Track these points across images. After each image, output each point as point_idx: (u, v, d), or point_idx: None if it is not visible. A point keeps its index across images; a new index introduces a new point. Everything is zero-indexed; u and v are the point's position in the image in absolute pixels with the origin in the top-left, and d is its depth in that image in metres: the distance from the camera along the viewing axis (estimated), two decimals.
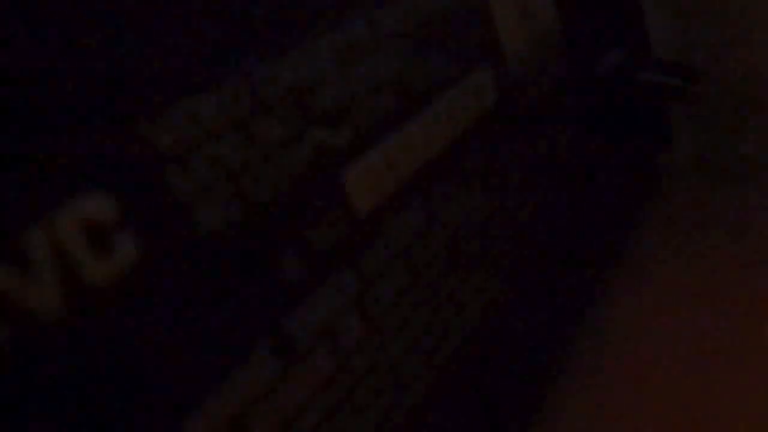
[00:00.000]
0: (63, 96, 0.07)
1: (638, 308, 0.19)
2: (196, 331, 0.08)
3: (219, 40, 0.09)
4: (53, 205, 0.07)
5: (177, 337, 0.08)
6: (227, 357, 0.08)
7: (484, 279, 0.14)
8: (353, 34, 0.11)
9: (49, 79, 0.07)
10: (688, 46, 0.26)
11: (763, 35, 0.24)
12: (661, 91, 0.25)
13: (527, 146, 0.16)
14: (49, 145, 0.07)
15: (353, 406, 0.10)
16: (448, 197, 0.13)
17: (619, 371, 0.17)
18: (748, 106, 0.26)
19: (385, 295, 0.11)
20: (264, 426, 0.09)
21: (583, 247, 0.19)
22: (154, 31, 0.08)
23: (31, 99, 0.07)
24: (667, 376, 0.16)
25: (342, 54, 0.11)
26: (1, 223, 0.06)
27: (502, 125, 0.15)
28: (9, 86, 0.07)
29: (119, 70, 0.07)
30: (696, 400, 0.15)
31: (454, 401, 0.12)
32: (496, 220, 0.14)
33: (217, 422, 0.08)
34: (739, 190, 0.25)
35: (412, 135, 0.12)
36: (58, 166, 0.07)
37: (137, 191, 0.08)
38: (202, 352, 0.08)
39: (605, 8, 0.23)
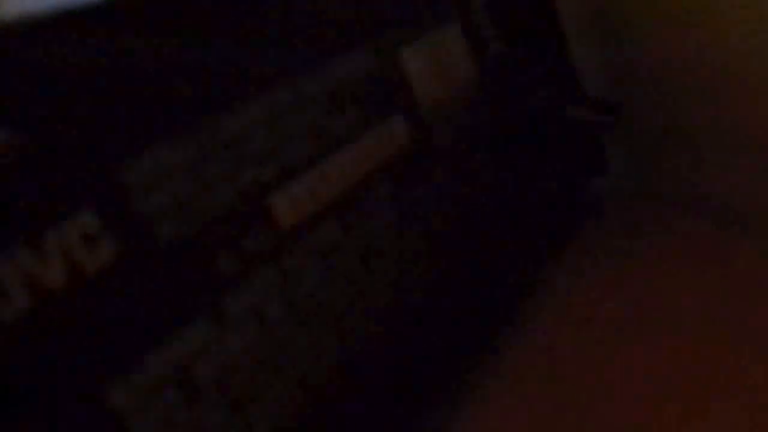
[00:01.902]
0: (72, 153, 0.11)
1: (554, 336, 0.23)
2: (157, 305, 0.12)
3: (175, 100, 0.13)
4: (62, 219, 0.11)
5: (143, 308, 0.12)
6: (179, 322, 0.12)
7: (394, 281, 0.18)
8: (279, 96, 0.15)
9: (61, 139, 0.11)
10: (612, 80, 0.30)
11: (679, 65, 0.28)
12: (586, 125, 0.29)
13: (442, 179, 0.20)
14: (63, 182, 0.11)
15: (275, 368, 0.14)
16: (364, 215, 0.17)
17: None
18: (672, 135, 0.30)
19: (303, 285, 0.15)
20: (203, 373, 0.13)
21: (500, 274, 0.23)
22: (130, 92, 0.12)
23: (50, 153, 0.11)
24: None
25: (270, 112, 0.15)
26: (31, 227, 0.11)
27: (415, 162, 0.19)
28: (45, 140, 0.11)
29: (107, 127, 0.12)
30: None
31: (362, 377, 0.16)
32: (407, 241, 0.18)
33: (170, 366, 0.12)
34: (675, 214, 0.28)
35: (328, 169, 0.16)
36: (67, 195, 0.11)
37: (114, 212, 0.12)
38: (160, 320, 0.12)
39: (530, 49, 0.27)
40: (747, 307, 0.20)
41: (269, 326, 0.14)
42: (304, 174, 0.16)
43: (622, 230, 0.27)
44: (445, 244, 0.20)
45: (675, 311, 0.21)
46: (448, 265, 0.20)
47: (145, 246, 0.12)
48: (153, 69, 0.13)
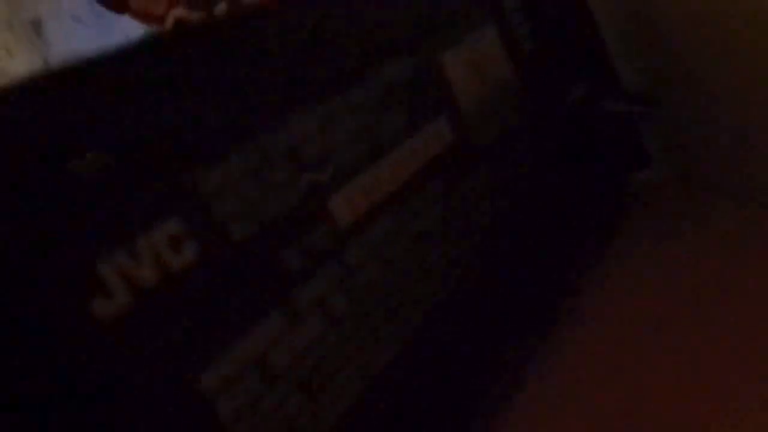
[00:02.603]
0: (154, 166, 0.13)
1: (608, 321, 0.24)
2: (236, 299, 0.13)
3: (238, 113, 0.14)
4: (151, 225, 0.12)
5: (224, 302, 0.13)
6: (255, 315, 0.14)
7: (445, 273, 0.19)
8: (331, 104, 0.16)
9: (142, 149, 0.12)
10: (649, 72, 0.31)
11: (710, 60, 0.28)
12: (625, 117, 0.29)
13: (485, 176, 0.21)
14: (149, 193, 0.12)
15: (341, 357, 0.16)
16: (413, 212, 0.18)
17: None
18: (710, 123, 0.30)
19: (363, 280, 0.16)
20: (279, 361, 0.14)
21: (544, 267, 0.23)
22: (201, 110, 0.14)
23: (136, 164, 0.12)
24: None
25: (323, 119, 0.16)
26: (126, 233, 0.12)
27: (459, 161, 0.20)
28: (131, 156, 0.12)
29: (184, 141, 0.13)
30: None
31: (418, 362, 0.18)
32: (454, 229, 0.19)
33: (250, 354, 0.14)
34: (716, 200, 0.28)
35: (380, 170, 0.17)
36: (154, 204, 0.12)
37: (195, 217, 0.13)
38: (239, 312, 0.14)
39: (568, 46, 0.28)
40: None
41: (334, 318, 0.15)
42: (358, 175, 0.17)
43: (666, 218, 0.28)
44: (491, 239, 0.21)
45: (722, 295, 0.21)
46: (495, 259, 0.21)
47: (222, 246, 0.13)
48: (219, 84, 0.14)
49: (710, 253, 0.24)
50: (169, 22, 0.71)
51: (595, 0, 0.30)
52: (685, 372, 0.19)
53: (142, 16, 0.74)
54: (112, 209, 0.12)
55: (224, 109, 0.14)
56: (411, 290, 0.18)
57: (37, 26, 0.89)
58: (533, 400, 0.20)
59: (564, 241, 0.24)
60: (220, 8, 0.66)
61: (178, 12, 0.70)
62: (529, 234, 0.22)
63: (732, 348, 0.19)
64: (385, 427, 0.16)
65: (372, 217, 0.17)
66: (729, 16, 0.25)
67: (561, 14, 0.27)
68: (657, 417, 0.18)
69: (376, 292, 0.17)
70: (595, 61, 0.29)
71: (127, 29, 0.80)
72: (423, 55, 0.19)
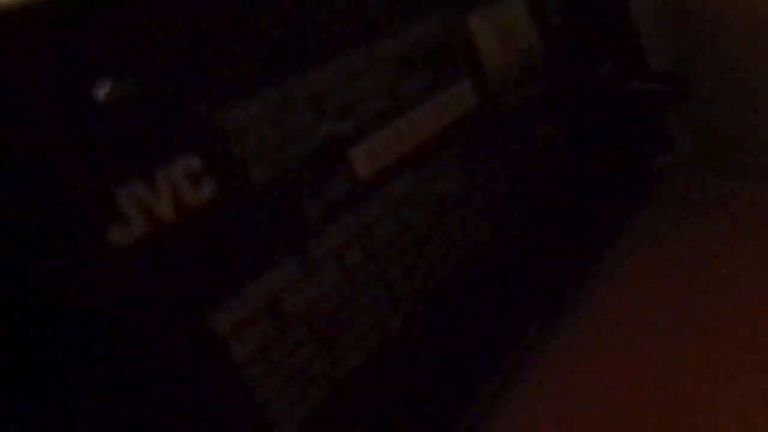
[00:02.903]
0: (175, 99, 0.12)
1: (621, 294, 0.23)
2: (252, 241, 0.13)
3: (264, 55, 0.14)
4: (170, 158, 0.12)
5: (240, 243, 0.13)
6: (270, 259, 0.14)
7: (461, 235, 0.18)
8: (356, 56, 0.16)
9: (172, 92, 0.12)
10: (679, 55, 0.30)
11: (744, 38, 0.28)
12: (652, 98, 0.29)
13: (506, 143, 0.21)
14: (169, 125, 0.12)
15: (355, 309, 0.15)
16: (432, 172, 0.18)
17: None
18: (739, 105, 0.30)
19: (380, 236, 0.16)
20: (292, 309, 0.14)
21: (563, 240, 0.23)
22: (227, 46, 0.13)
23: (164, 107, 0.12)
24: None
25: (348, 70, 0.16)
26: (144, 164, 0.12)
27: (481, 126, 0.20)
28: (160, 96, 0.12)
29: (206, 77, 0.13)
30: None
31: (431, 323, 0.17)
32: (473, 194, 0.19)
33: (264, 298, 0.13)
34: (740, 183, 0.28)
35: (402, 127, 0.17)
36: (173, 137, 0.12)
37: (214, 154, 0.13)
38: (254, 255, 0.13)
39: (597, 25, 0.27)
40: None
41: (349, 270, 0.15)
42: (380, 130, 0.16)
43: (688, 201, 0.27)
44: (507, 208, 0.20)
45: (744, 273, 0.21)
46: (511, 228, 0.20)
47: (241, 186, 0.13)
48: (247, 26, 0.14)
49: (731, 237, 0.23)
50: None
51: None
52: (703, 357, 0.18)
53: None
54: (133, 138, 0.12)
55: (251, 51, 0.14)
56: (427, 251, 0.17)
57: None
58: (551, 363, 0.20)
59: (580, 217, 0.24)
60: None
61: None
62: (546, 207, 0.22)
63: (751, 331, 0.19)
64: (397, 383, 0.16)
65: (391, 174, 0.17)
66: None
67: None
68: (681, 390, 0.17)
69: (392, 250, 0.16)
70: (622, 40, 0.28)
71: None
72: (451, 16, 0.19)
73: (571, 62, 0.24)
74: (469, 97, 0.19)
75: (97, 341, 0.11)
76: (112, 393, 0.11)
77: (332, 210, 0.15)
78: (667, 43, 0.31)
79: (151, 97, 0.12)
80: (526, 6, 0.23)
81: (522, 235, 0.21)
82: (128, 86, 0.12)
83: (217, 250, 0.13)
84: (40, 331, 0.11)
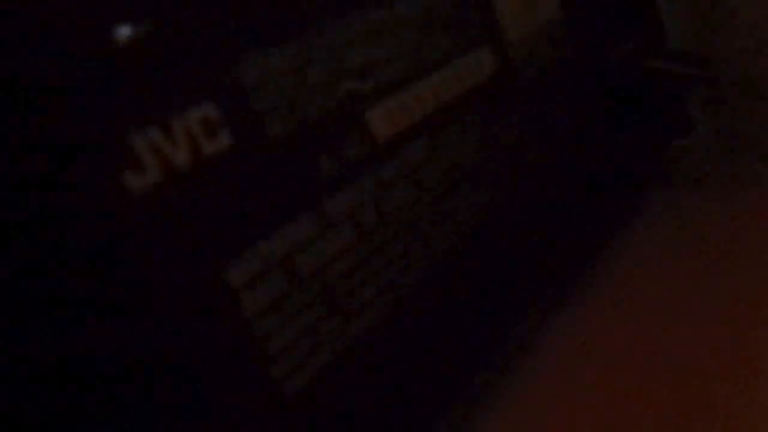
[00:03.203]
0: (194, 46, 0.12)
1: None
2: (267, 195, 0.13)
3: (284, 8, 0.14)
4: (187, 107, 0.12)
5: (255, 197, 0.13)
6: (285, 215, 0.13)
7: (477, 203, 0.18)
8: (376, 15, 0.16)
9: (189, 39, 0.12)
10: (704, 37, 0.30)
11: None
12: (673, 78, 0.28)
13: (524, 113, 0.20)
14: (188, 72, 0.12)
15: (368, 271, 0.15)
16: (450, 137, 0.17)
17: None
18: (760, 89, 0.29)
19: (396, 198, 0.16)
20: (306, 266, 0.14)
21: (575, 214, 0.23)
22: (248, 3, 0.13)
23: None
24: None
25: (367, 29, 0.16)
26: (161, 110, 0.11)
27: (500, 94, 0.19)
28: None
29: (226, 26, 0.13)
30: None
31: (444, 289, 0.17)
32: (490, 162, 0.19)
33: (277, 253, 0.13)
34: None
35: (421, 90, 0.17)
36: (192, 84, 0.12)
37: (232, 104, 0.13)
38: (269, 210, 0.13)
39: (618, 1, 0.27)
40: None
41: (364, 232, 0.15)
42: (398, 92, 0.16)
43: (706, 184, 0.27)
44: (524, 175, 0.20)
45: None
46: (527, 196, 0.20)
47: (257, 139, 0.13)
48: None
49: (748, 219, 0.23)
50: None
51: None
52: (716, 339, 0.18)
53: None
54: (150, 83, 0.12)
55: (272, 2, 0.14)
56: (442, 217, 0.17)
57: None
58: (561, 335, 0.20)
59: (596, 193, 0.24)
60: None
61: None
62: (561, 180, 0.22)
63: (762, 311, 0.18)
64: (407, 348, 0.16)
65: (409, 137, 0.16)
66: None
67: None
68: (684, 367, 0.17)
69: (407, 213, 0.16)
70: (644, 17, 0.28)
71: None
72: None
73: (591, 35, 0.24)
74: (488, 64, 0.19)
75: (106, 285, 0.11)
76: (120, 340, 0.11)
77: (349, 170, 0.15)
78: (686, 22, 0.30)
79: (171, 44, 0.12)
80: None
81: (536, 206, 0.20)
82: (147, 31, 0.12)
83: (232, 202, 0.12)
84: (51, 275, 0.11)
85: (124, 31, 0.11)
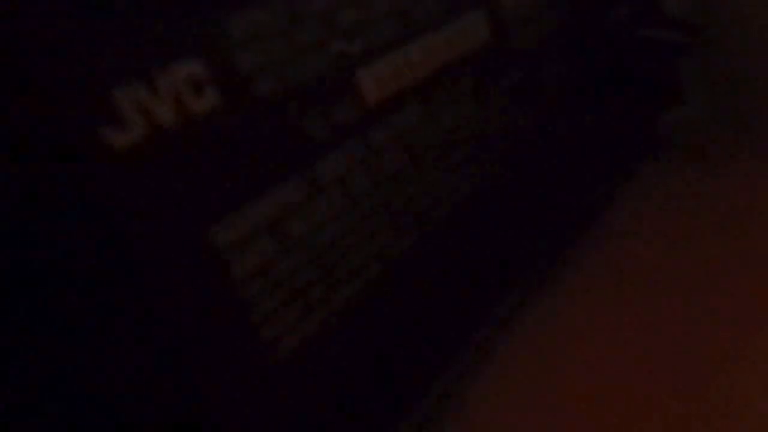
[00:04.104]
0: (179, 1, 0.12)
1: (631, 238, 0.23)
2: (255, 157, 0.13)
3: None
4: (172, 61, 0.12)
5: (242, 157, 0.13)
6: (274, 178, 0.13)
7: (469, 171, 0.18)
8: None
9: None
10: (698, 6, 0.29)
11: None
12: (663, 46, 0.28)
13: (518, 80, 0.20)
14: (172, 27, 0.12)
15: (357, 237, 0.15)
16: (443, 103, 0.17)
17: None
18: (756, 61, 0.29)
19: (386, 164, 0.16)
20: (294, 230, 0.13)
21: (568, 184, 0.23)
22: None
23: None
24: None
25: None
26: (145, 64, 0.11)
27: (492, 61, 0.19)
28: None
29: None
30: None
31: (434, 257, 0.17)
32: (483, 129, 0.18)
33: (265, 216, 0.13)
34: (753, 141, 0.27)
35: (412, 53, 0.16)
36: (176, 39, 0.12)
37: (218, 62, 0.12)
38: (257, 171, 0.13)
39: None
40: None
41: (353, 197, 0.15)
42: (389, 54, 0.16)
43: (697, 156, 0.27)
44: (516, 143, 0.20)
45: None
46: (519, 164, 0.20)
47: (244, 98, 0.13)
48: None
49: (741, 190, 0.23)
50: None
51: None
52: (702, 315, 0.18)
53: None
54: (133, 37, 0.11)
55: None
56: (432, 184, 0.17)
57: None
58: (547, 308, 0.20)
59: (588, 161, 0.23)
60: None
61: None
62: (554, 149, 0.22)
63: (751, 286, 0.18)
64: (395, 315, 0.16)
65: (400, 101, 0.16)
66: None
67: None
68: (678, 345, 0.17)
69: (397, 180, 0.16)
70: None
71: None
72: None
73: (586, 2, 0.24)
74: (482, 30, 0.19)
75: (88, 245, 0.11)
76: (106, 302, 0.11)
77: (338, 133, 0.14)
78: None
79: None
80: None
81: (528, 174, 0.20)
82: None
83: (218, 162, 0.12)
84: (36, 232, 0.11)
85: None
